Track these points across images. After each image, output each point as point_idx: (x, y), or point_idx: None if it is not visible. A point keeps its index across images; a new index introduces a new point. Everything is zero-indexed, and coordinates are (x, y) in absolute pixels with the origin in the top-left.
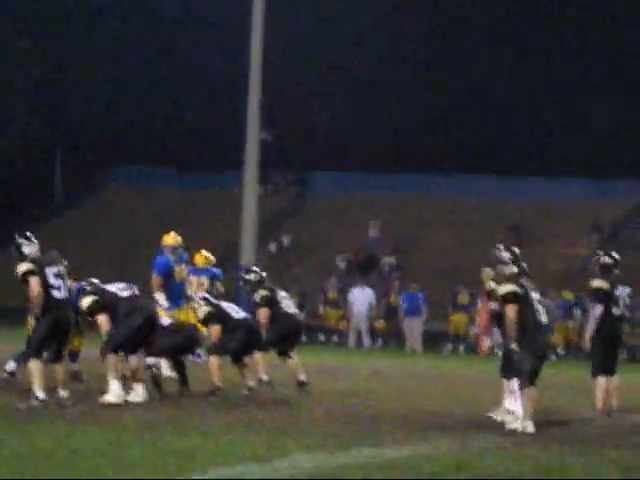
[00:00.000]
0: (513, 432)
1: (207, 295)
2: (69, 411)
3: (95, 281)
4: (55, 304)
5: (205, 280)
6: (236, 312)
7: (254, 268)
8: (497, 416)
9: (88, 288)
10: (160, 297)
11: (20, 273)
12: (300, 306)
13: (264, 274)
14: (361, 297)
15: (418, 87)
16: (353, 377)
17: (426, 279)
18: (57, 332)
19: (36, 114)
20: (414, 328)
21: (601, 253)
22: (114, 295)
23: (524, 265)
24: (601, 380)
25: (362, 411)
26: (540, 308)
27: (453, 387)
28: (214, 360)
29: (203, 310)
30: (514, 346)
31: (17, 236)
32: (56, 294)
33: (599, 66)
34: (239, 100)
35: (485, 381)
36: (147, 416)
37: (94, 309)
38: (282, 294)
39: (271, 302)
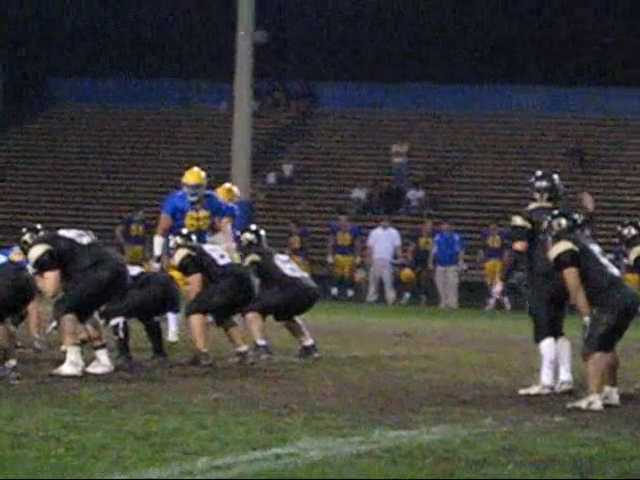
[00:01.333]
0: (576, 410)
1: (184, 231)
2: (15, 385)
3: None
4: None
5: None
6: (221, 257)
7: (252, 227)
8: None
9: (35, 237)
10: (156, 241)
11: None
12: (304, 252)
13: (262, 234)
14: (383, 240)
15: None
16: (374, 340)
17: (463, 218)
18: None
19: None
20: (448, 279)
21: None
22: (70, 242)
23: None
24: None
25: (384, 383)
26: (606, 261)
27: (498, 353)
28: (196, 319)
29: (180, 254)
30: (587, 319)
31: None
32: None
33: None
34: None
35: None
36: (113, 392)
37: (45, 261)
38: (281, 257)
39: (261, 269)
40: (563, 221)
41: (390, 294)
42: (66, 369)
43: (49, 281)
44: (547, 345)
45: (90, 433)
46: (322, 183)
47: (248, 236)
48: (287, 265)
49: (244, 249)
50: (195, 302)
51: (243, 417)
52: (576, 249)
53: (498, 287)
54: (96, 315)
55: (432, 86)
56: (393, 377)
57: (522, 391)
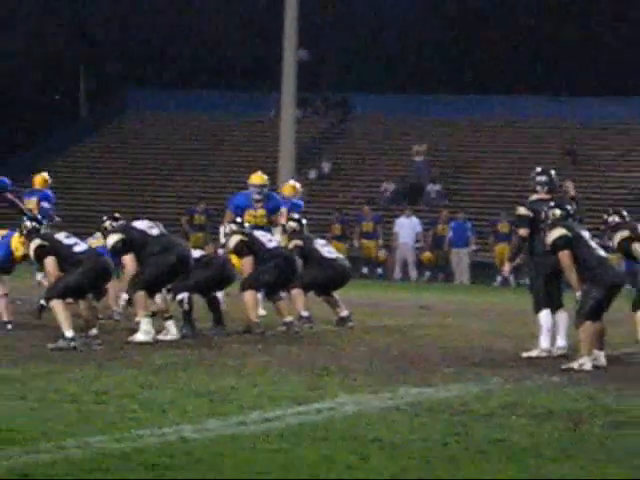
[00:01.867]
0: (570, 370)
1: (238, 219)
2: (97, 351)
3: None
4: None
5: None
6: (269, 241)
7: (295, 216)
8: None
9: (113, 226)
10: (221, 231)
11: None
12: (344, 238)
13: (304, 222)
14: (407, 227)
15: (464, 4)
16: (399, 312)
17: (475, 207)
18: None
19: (59, 31)
20: (461, 259)
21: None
22: (142, 233)
23: (568, 207)
24: None
25: (409, 348)
26: (595, 244)
27: (504, 322)
28: (249, 295)
29: (234, 239)
30: (578, 294)
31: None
32: (76, 249)
33: None
34: (275, 19)
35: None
36: (179, 356)
37: (120, 248)
38: (320, 242)
39: (303, 252)
40: (557, 211)
41: (413, 273)
42: (140, 337)
43: (127, 263)
44: (544, 315)
45: (160, 391)
46: (355, 178)
47: (292, 224)
48: (325, 248)
49: (289, 235)
50: (248, 280)
51: (289, 377)
52: (569, 234)
53: (506, 267)
54: (164, 291)
55: (447, 95)
56: (415, 343)
57: (524, 354)
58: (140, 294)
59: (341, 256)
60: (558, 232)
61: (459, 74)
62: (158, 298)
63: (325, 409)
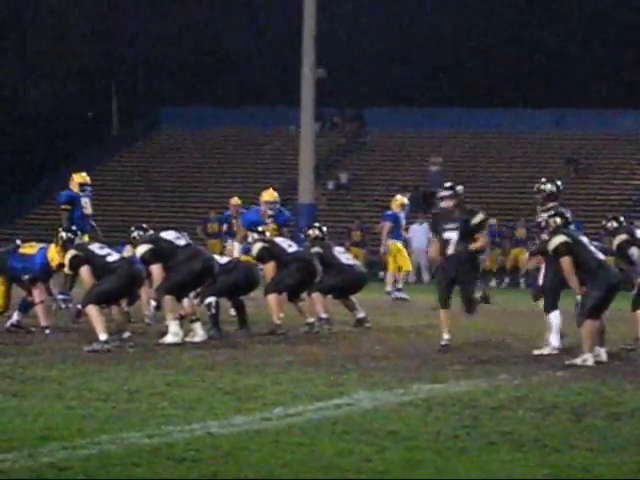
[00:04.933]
0: (573, 366)
1: (260, 229)
2: (130, 353)
3: (147, 228)
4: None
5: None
6: (289, 246)
7: (316, 224)
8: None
9: (143, 235)
10: (236, 246)
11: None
12: (364, 244)
13: (324, 230)
14: (420, 233)
15: (475, 21)
16: (413, 313)
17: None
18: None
19: (91, 49)
20: None
21: None
22: (170, 243)
23: (566, 213)
24: None
25: (422, 347)
26: (594, 248)
27: (513, 321)
28: (272, 298)
29: (257, 247)
30: (578, 297)
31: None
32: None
33: None
34: (293, 38)
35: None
36: (206, 356)
37: (149, 258)
38: (338, 249)
39: (323, 258)
40: (558, 219)
41: (426, 276)
42: (169, 339)
43: (155, 272)
44: (554, 316)
45: (189, 389)
46: (371, 188)
47: (312, 232)
48: (344, 255)
49: (310, 242)
50: (271, 284)
51: (310, 375)
52: (570, 241)
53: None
54: (191, 295)
55: (458, 110)
56: (428, 342)
57: (535, 352)
58: (168, 298)
59: (358, 263)
60: (559, 239)
61: (469, 89)
62: (185, 302)
63: (344, 405)
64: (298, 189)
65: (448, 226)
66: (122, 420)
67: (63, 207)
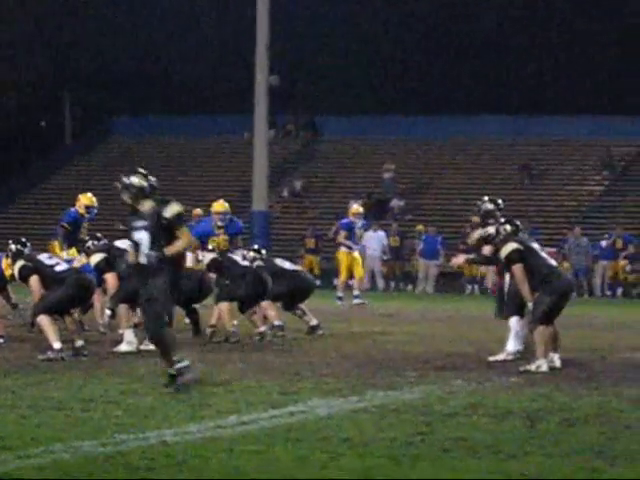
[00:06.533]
0: (528, 372)
1: (209, 247)
2: (84, 361)
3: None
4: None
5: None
6: (243, 259)
7: (255, 246)
8: (498, 357)
9: (97, 244)
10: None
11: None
12: (318, 251)
13: (263, 252)
14: (374, 240)
15: (428, 28)
16: (367, 320)
17: (437, 221)
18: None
19: (43, 59)
20: (430, 270)
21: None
22: (124, 252)
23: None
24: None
25: (376, 354)
26: (545, 255)
27: (466, 329)
28: (224, 306)
29: (208, 257)
30: (530, 304)
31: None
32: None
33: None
34: (246, 46)
35: (500, 322)
36: (160, 365)
37: (103, 267)
38: (278, 260)
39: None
40: (508, 227)
41: (380, 282)
42: (123, 347)
43: (109, 281)
44: (514, 321)
45: (143, 398)
46: (325, 196)
47: (249, 255)
48: (286, 263)
49: (251, 262)
50: (223, 293)
51: (264, 383)
52: (521, 248)
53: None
54: None
55: (411, 117)
56: (382, 349)
57: (490, 358)
58: (122, 307)
59: (303, 269)
60: (510, 247)
61: (422, 95)
62: (140, 311)
63: (298, 412)
64: (252, 196)
65: None
66: (76, 429)
67: (64, 225)
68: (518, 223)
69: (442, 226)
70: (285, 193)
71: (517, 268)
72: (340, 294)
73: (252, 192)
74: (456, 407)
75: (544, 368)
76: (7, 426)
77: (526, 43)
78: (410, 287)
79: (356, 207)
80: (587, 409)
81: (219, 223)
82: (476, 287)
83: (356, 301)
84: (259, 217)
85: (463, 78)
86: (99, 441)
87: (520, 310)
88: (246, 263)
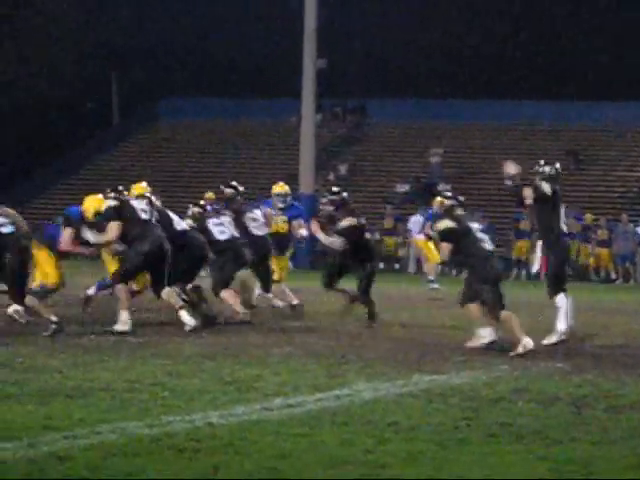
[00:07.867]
0: (518, 356)
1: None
2: (130, 342)
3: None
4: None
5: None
6: (221, 233)
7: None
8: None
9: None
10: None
11: None
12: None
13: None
14: (420, 224)
15: (476, 14)
16: (414, 305)
17: (486, 207)
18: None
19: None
20: None
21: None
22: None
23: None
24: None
25: (423, 339)
26: (484, 237)
27: (515, 314)
28: (224, 294)
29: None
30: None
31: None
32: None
33: None
34: (294, 29)
35: (543, 307)
36: (206, 346)
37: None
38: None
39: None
40: (451, 201)
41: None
42: (119, 327)
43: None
44: (560, 298)
45: (189, 380)
46: (371, 179)
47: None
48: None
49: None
50: (216, 284)
51: (310, 366)
52: (456, 227)
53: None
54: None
55: (460, 101)
56: (429, 334)
57: (545, 342)
58: (121, 287)
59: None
60: (445, 223)
61: (471, 81)
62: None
63: (344, 396)
64: (299, 180)
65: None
66: (122, 410)
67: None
68: (461, 198)
69: (486, 211)
70: (331, 176)
71: (444, 246)
72: (431, 277)
73: (299, 175)
74: (502, 392)
75: (530, 344)
76: (54, 407)
77: (574, 29)
78: (454, 272)
79: (440, 199)
80: (633, 396)
81: (279, 205)
82: (523, 272)
83: (432, 285)
84: (306, 201)
85: (512, 64)
86: (145, 422)
87: (563, 285)
88: (226, 236)
